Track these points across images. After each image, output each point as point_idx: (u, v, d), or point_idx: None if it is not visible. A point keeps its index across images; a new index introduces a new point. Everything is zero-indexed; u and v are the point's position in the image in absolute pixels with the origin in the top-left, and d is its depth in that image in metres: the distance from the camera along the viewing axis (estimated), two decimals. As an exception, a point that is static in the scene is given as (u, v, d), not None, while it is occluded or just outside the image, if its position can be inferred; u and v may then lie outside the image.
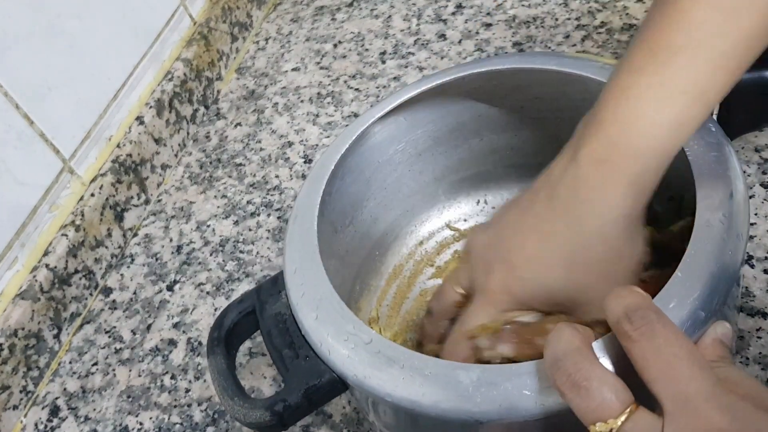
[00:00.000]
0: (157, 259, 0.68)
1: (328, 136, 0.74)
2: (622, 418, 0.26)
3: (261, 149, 0.76)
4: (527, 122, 0.51)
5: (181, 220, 0.71)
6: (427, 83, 0.48)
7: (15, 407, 0.58)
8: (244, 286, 0.62)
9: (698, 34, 0.31)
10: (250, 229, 0.67)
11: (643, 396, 0.27)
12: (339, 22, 0.90)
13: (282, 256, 0.42)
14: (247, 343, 0.56)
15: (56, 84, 0.66)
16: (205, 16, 0.87)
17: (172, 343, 0.60)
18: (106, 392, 0.58)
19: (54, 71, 0.66)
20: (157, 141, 0.75)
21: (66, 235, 0.64)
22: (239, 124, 0.80)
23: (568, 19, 0.75)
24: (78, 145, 0.69)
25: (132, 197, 0.71)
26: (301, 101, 0.80)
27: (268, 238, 0.66)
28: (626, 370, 0.28)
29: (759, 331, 0.45)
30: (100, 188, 0.68)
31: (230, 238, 0.67)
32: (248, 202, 0.70)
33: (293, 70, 0.85)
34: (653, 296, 0.31)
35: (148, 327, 0.62)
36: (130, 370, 0.59)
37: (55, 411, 0.58)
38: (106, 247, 0.68)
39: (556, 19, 0.76)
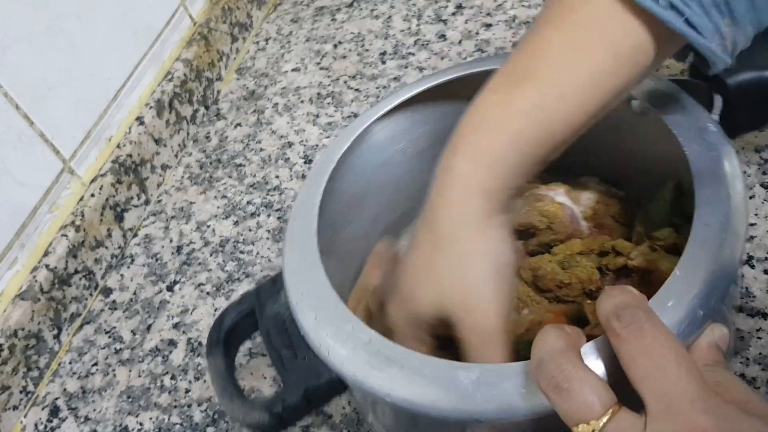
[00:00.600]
0: (157, 260, 0.68)
1: (328, 137, 0.74)
2: (604, 419, 0.26)
3: (261, 150, 0.76)
4: None
5: (181, 221, 0.71)
6: (426, 83, 0.48)
7: (15, 407, 0.58)
8: (244, 287, 0.62)
9: (548, 63, 0.35)
10: (250, 230, 0.67)
11: (633, 397, 0.27)
12: (339, 22, 0.90)
13: (281, 256, 0.42)
14: (248, 344, 0.56)
15: (56, 84, 0.66)
16: (205, 16, 0.87)
17: (172, 343, 0.60)
18: (106, 392, 0.58)
19: (54, 71, 0.66)
20: (157, 141, 0.75)
21: (66, 236, 0.64)
22: (239, 124, 0.80)
23: (568, 19, 0.75)
24: (78, 145, 0.69)
25: (132, 198, 0.71)
26: (301, 102, 0.80)
27: (268, 238, 0.66)
28: (617, 370, 0.28)
29: (759, 332, 0.45)
30: (100, 189, 0.68)
31: (230, 239, 0.67)
32: (248, 203, 0.70)
33: (293, 70, 0.85)
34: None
35: (148, 327, 0.62)
36: (130, 371, 0.59)
37: (55, 411, 0.58)
38: (106, 248, 0.68)
39: (556, 20, 0.76)
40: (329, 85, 0.80)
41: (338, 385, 0.36)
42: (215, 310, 0.61)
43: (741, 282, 0.48)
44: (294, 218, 0.43)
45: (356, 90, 0.78)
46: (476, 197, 0.35)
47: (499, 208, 0.36)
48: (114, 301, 0.65)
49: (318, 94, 0.80)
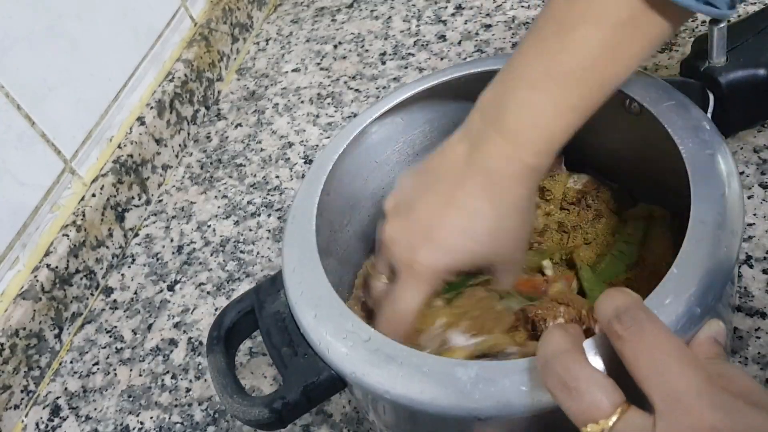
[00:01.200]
0: (157, 259, 0.68)
1: (328, 137, 0.74)
2: (614, 418, 0.26)
3: (261, 150, 0.76)
4: None
5: (182, 221, 0.71)
6: (423, 84, 0.49)
7: (16, 407, 0.58)
8: (245, 286, 0.62)
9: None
10: (250, 230, 0.68)
11: (636, 396, 0.27)
12: (339, 23, 0.90)
13: (280, 255, 0.42)
14: (248, 343, 0.57)
15: (57, 84, 0.66)
16: (205, 17, 0.88)
17: (173, 342, 0.60)
18: (107, 392, 0.58)
19: (55, 72, 0.66)
20: (157, 141, 0.75)
21: (67, 236, 0.64)
22: (240, 124, 0.81)
23: (568, 20, 0.75)
24: (79, 145, 0.69)
25: (133, 197, 0.72)
26: (302, 102, 0.80)
27: (268, 238, 0.66)
28: (617, 369, 0.28)
29: (758, 331, 0.45)
30: (101, 188, 0.68)
31: (231, 239, 0.67)
32: (249, 203, 0.70)
33: (293, 70, 0.85)
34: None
35: (149, 327, 0.62)
36: (131, 370, 0.59)
37: (56, 410, 0.58)
38: (107, 247, 0.68)
39: (556, 20, 0.76)
40: (329, 85, 0.81)
41: (338, 382, 0.36)
42: (216, 310, 0.61)
43: (739, 281, 0.48)
44: (293, 218, 0.43)
45: (356, 90, 0.78)
46: (533, 182, 0.39)
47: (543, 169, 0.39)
48: (115, 301, 0.65)
49: (318, 94, 0.80)
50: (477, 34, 0.79)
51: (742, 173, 0.54)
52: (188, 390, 0.56)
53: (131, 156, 0.72)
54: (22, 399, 0.58)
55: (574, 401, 0.27)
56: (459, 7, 0.84)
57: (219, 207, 0.71)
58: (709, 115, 0.43)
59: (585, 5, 0.35)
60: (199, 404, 0.55)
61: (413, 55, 0.80)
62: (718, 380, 0.26)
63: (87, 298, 0.65)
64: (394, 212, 0.42)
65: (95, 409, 0.57)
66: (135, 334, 0.62)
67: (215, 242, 0.67)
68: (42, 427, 0.57)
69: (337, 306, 0.37)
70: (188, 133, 0.81)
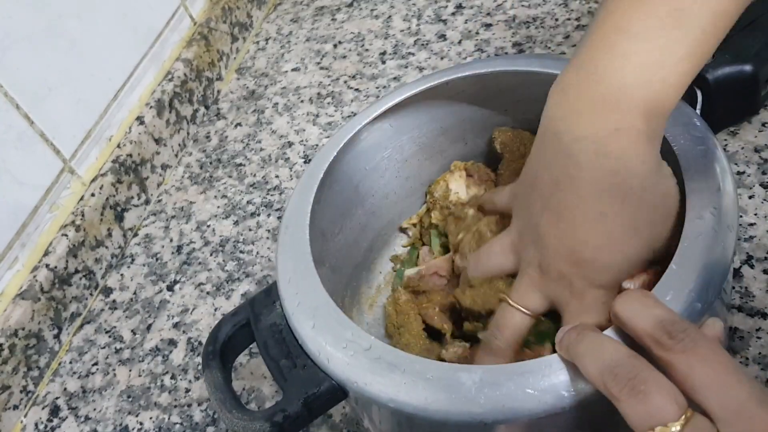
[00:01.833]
0: (157, 259, 0.68)
1: (328, 137, 0.74)
2: (681, 422, 0.26)
3: (261, 149, 0.76)
4: (512, 125, 0.51)
5: (182, 220, 0.71)
6: (410, 89, 0.49)
7: (15, 407, 0.58)
8: (244, 286, 0.62)
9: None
10: (250, 229, 0.67)
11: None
12: (339, 22, 0.90)
13: (275, 266, 0.42)
14: (248, 343, 0.57)
15: (57, 84, 0.66)
16: (205, 16, 0.87)
17: (173, 343, 0.60)
18: (106, 392, 0.58)
19: (54, 71, 0.66)
20: (157, 141, 0.75)
21: (66, 235, 0.64)
22: (239, 124, 0.80)
23: (568, 19, 0.75)
24: (78, 145, 0.69)
25: (132, 197, 0.72)
26: (301, 101, 0.80)
27: (268, 238, 0.66)
28: None
29: (759, 332, 0.45)
30: (101, 188, 0.68)
31: (230, 238, 0.67)
32: (248, 202, 0.70)
33: (293, 70, 0.85)
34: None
35: (149, 327, 0.62)
36: (130, 370, 0.59)
37: (55, 411, 0.58)
38: (107, 247, 0.68)
39: (556, 20, 0.76)
40: (329, 85, 0.80)
41: (339, 392, 0.36)
42: (215, 310, 0.61)
43: (739, 281, 0.48)
44: (285, 228, 0.43)
45: (356, 90, 0.78)
46: (654, 148, 0.34)
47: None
48: (114, 301, 0.65)
49: (318, 93, 0.80)
50: (477, 33, 0.79)
51: (742, 173, 0.54)
52: (188, 390, 0.56)
53: (130, 156, 0.72)
54: (21, 399, 0.58)
55: (641, 405, 0.26)
56: (459, 7, 0.84)
57: (218, 207, 0.71)
58: (697, 111, 0.43)
59: None
60: (199, 404, 0.54)
61: (413, 54, 0.80)
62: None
63: (86, 298, 0.65)
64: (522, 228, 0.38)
65: (94, 409, 0.57)
66: (134, 334, 0.62)
67: (215, 242, 0.67)
68: (41, 427, 0.57)
69: (335, 315, 0.37)
70: (188, 133, 0.81)
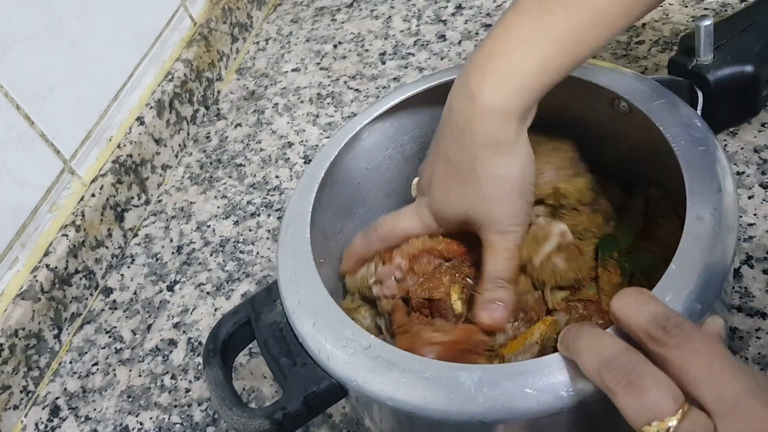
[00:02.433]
0: (157, 260, 0.68)
1: (327, 137, 0.74)
2: (678, 416, 0.26)
3: (261, 150, 0.76)
4: None
5: (182, 221, 0.71)
6: (411, 89, 0.49)
7: (15, 407, 0.58)
8: (245, 287, 0.62)
9: None
10: (250, 230, 0.67)
11: None
12: (339, 22, 0.90)
13: (276, 265, 0.42)
14: (248, 343, 0.57)
15: (57, 84, 0.66)
16: (205, 16, 0.88)
17: (173, 343, 0.60)
18: (106, 392, 0.58)
19: (55, 72, 0.66)
20: (157, 141, 0.75)
21: (66, 236, 0.64)
22: (239, 124, 0.81)
23: (568, 19, 0.75)
24: (78, 145, 0.69)
25: (132, 197, 0.72)
26: (301, 102, 0.80)
27: (268, 238, 0.66)
28: None
29: (758, 332, 0.45)
30: (101, 188, 0.68)
31: (230, 239, 0.67)
32: (248, 203, 0.70)
33: (293, 70, 0.85)
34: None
35: (149, 327, 0.62)
36: (130, 370, 0.59)
37: (55, 411, 0.58)
38: (107, 248, 0.68)
39: (556, 20, 0.76)
40: (329, 85, 0.80)
41: (339, 390, 0.36)
42: (215, 310, 0.61)
43: (739, 281, 0.48)
44: (286, 227, 0.43)
45: (356, 90, 0.78)
46: (501, 122, 0.37)
47: (522, 128, 0.39)
48: (114, 301, 0.65)
49: (318, 94, 0.80)
50: (477, 33, 0.79)
51: (742, 173, 0.54)
52: (188, 390, 0.56)
53: (131, 156, 0.72)
54: (22, 399, 0.58)
55: (637, 399, 0.26)
56: (459, 7, 0.84)
57: (218, 207, 0.71)
58: (698, 112, 0.43)
59: None
60: (199, 404, 0.54)
61: (413, 54, 0.80)
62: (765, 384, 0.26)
63: (86, 299, 0.65)
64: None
65: (95, 409, 0.57)
66: (134, 334, 0.62)
67: (215, 242, 0.67)
68: (41, 427, 0.57)
69: (335, 314, 0.37)
70: (188, 133, 0.81)
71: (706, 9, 0.69)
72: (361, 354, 0.35)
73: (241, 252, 0.65)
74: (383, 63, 0.80)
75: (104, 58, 0.72)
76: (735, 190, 0.36)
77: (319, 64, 0.84)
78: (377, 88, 0.77)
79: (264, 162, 0.74)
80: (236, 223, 0.69)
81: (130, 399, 0.57)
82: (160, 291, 0.65)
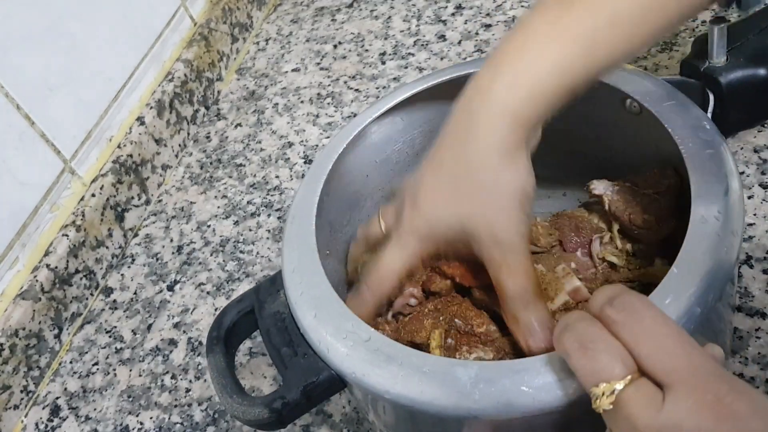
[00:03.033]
0: (157, 259, 0.68)
1: (328, 137, 0.74)
2: (625, 381, 0.26)
3: (261, 150, 0.76)
4: None
5: (182, 221, 0.71)
6: (423, 83, 0.49)
7: (16, 407, 0.58)
8: (245, 286, 0.62)
9: None
10: (250, 230, 0.67)
11: None
12: (339, 23, 0.90)
13: (280, 255, 0.42)
14: (248, 343, 0.57)
15: (57, 85, 0.66)
16: (205, 16, 0.88)
17: (173, 342, 0.60)
18: (106, 392, 0.58)
19: (55, 72, 0.66)
20: (157, 141, 0.75)
21: (67, 236, 0.64)
22: (239, 124, 0.81)
23: (568, 19, 0.75)
24: (79, 145, 0.69)
25: (132, 197, 0.72)
26: (301, 102, 0.80)
27: (268, 238, 0.66)
28: None
29: (758, 331, 0.45)
30: (101, 188, 0.68)
31: (230, 239, 0.67)
32: (248, 203, 0.70)
33: (293, 70, 0.85)
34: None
35: (149, 327, 0.62)
36: (130, 370, 0.59)
37: (55, 411, 0.58)
38: (107, 248, 0.68)
39: (556, 20, 0.76)
40: (329, 85, 0.81)
41: (337, 382, 0.36)
42: (215, 310, 0.61)
43: (739, 281, 0.48)
44: (292, 218, 0.43)
45: (356, 90, 0.78)
46: (509, 126, 0.35)
47: (528, 136, 0.36)
48: (114, 301, 0.65)
49: (318, 94, 0.80)
50: (477, 33, 0.79)
51: (742, 173, 0.54)
52: (188, 390, 0.56)
53: (131, 156, 0.72)
54: (22, 399, 0.58)
55: (588, 361, 0.27)
56: (459, 7, 0.84)
57: (219, 207, 0.71)
58: (709, 114, 0.43)
59: None
60: (199, 404, 0.55)
61: (413, 54, 0.80)
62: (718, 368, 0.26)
63: (87, 298, 0.65)
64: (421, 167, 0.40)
65: (95, 409, 0.57)
66: (135, 334, 0.62)
67: (215, 242, 0.67)
68: (42, 427, 0.57)
69: (337, 306, 0.37)
70: (188, 133, 0.81)
71: (705, 9, 0.69)
72: (360, 346, 0.35)
73: (241, 252, 0.66)
74: (383, 63, 0.80)
75: (105, 59, 0.72)
76: (741, 194, 0.36)
77: (319, 64, 0.84)
78: (377, 88, 0.77)
79: (264, 162, 0.74)
80: (236, 223, 0.69)
81: (131, 399, 0.57)
82: (161, 291, 0.65)
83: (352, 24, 0.89)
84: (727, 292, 0.34)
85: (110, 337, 0.62)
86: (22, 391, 0.58)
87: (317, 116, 0.77)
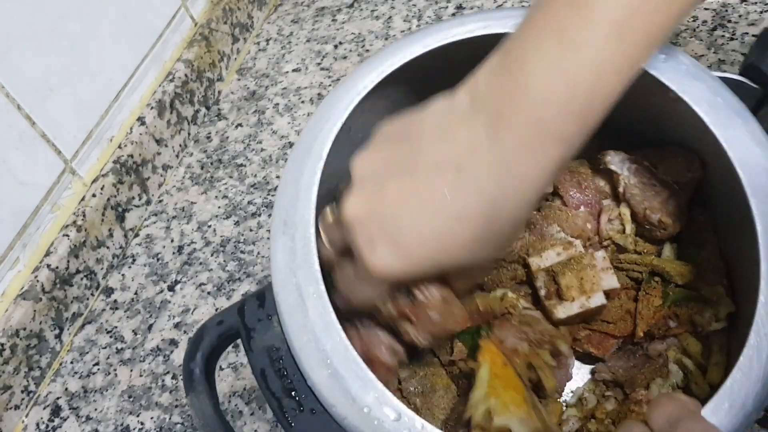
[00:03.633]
0: (158, 260, 0.68)
1: (328, 137, 0.74)
2: None
3: (262, 150, 0.76)
4: None
5: (183, 221, 0.71)
6: (395, 61, 0.42)
7: (17, 407, 0.58)
8: (245, 287, 0.62)
9: None
10: (251, 230, 0.67)
11: None
12: (339, 23, 0.90)
13: (271, 272, 0.36)
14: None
15: (58, 85, 0.66)
16: (206, 17, 0.88)
17: (174, 343, 0.60)
18: (107, 392, 0.58)
19: (56, 72, 0.66)
20: (158, 141, 0.75)
21: (67, 236, 0.64)
22: (240, 124, 0.81)
23: (569, 20, 0.75)
24: (79, 145, 0.69)
25: (133, 198, 0.72)
26: (302, 102, 0.80)
27: (268, 238, 0.66)
28: None
29: None
30: (102, 189, 0.68)
31: (231, 239, 0.67)
32: (249, 203, 0.70)
33: (294, 70, 0.85)
34: None
35: (150, 327, 0.62)
36: (131, 370, 0.59)
37: (56, 411, 0.58)
38: (108, 248, 0.68)
39: (557, 20, 0.76)
40: (330, 85, 0.81)
41: None
42: (216, 310, 0.61)
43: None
44: (279, 232, 0.38)
45: (357, 90, 0.78)
46: (550, 177, 0.30)
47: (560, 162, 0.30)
48: (115, 301, 0.65)
49: (318, 94, 0.80)
50: (477, 34, 0.79)
51: None
52: (189, 390, 0.56)
53: (131, 156, 0.72)
54: (23, 399, 0.58)
55: None
56: (459, 7, 0.84)
57: (219, 207, 0.71)
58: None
59: None
60: (200, 404, 0.55)
61: (414, 55, 0.80)
62: None
63: (87, 299, 0.65)
64: (360, 181, 0.33)
65: (96, 409, 0.57)
66: (135, 334, 0.62)
67: (216, 242, 0.67)
68: (42, 427, 0.57)
69: (355, 367, 0.31)
70: (189, 133, 0.81)
71: (705, 9, 0.69)
72: (386, 424, 0.29)
73: (242, 252, 0.66)
74: (384, 63, 0.80)
75: (105, 59, 0.72)
76: None
77: (319, 64, 0.84)
78: (378, 88, 0.77)
79: (265, 162, 0.74)
80: (237, 223, 0.69)
81: (131, 399, 0.57)
82: (161, 291, 0.65)
83: (353, 24, 0.89)
84: None
85: (111, 337, 0.62)
86: (22, 392, 0.58)
87: (318, 116, 0.77)
